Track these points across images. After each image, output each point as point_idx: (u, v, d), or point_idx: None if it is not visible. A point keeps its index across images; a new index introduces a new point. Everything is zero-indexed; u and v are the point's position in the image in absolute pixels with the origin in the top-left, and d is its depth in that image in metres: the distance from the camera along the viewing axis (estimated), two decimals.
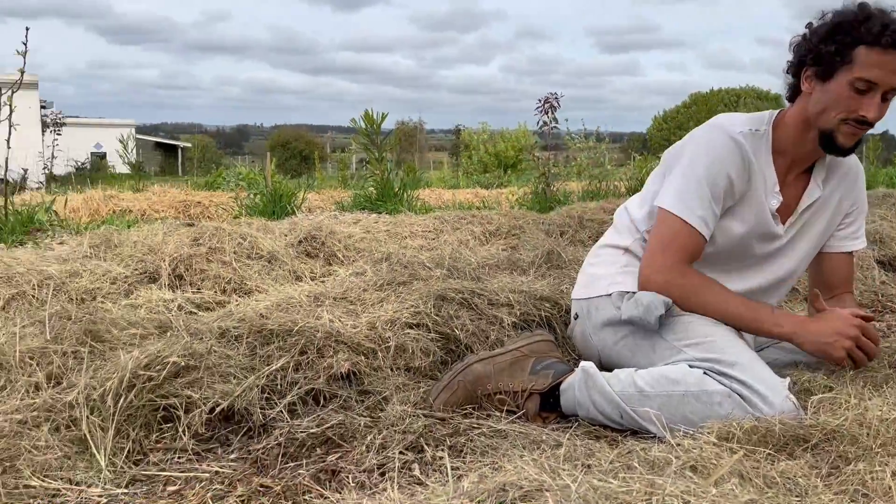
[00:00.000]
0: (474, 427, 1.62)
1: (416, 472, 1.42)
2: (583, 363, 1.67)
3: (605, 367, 1.82)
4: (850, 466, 1.13)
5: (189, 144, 37.56)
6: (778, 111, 1.81)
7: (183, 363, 1.57)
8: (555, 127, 6.52)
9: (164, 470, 1.43)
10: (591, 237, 3.78)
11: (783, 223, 1.80)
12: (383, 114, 5.97)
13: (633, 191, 6.77)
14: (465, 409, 1.71)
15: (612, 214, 2.03)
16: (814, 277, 1.96)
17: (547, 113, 6.37)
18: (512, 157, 25.41)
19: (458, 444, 1.54)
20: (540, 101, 6.33)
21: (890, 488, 1.03)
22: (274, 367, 1.72)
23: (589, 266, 1.94)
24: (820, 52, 1.64)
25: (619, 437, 1.56)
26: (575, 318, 1.92)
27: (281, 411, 1.65)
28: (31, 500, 1.26)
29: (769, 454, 1.24)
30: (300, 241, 3.35)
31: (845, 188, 1.85)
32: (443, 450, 1.51)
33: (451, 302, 2.04)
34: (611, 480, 1.07)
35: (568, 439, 1.48)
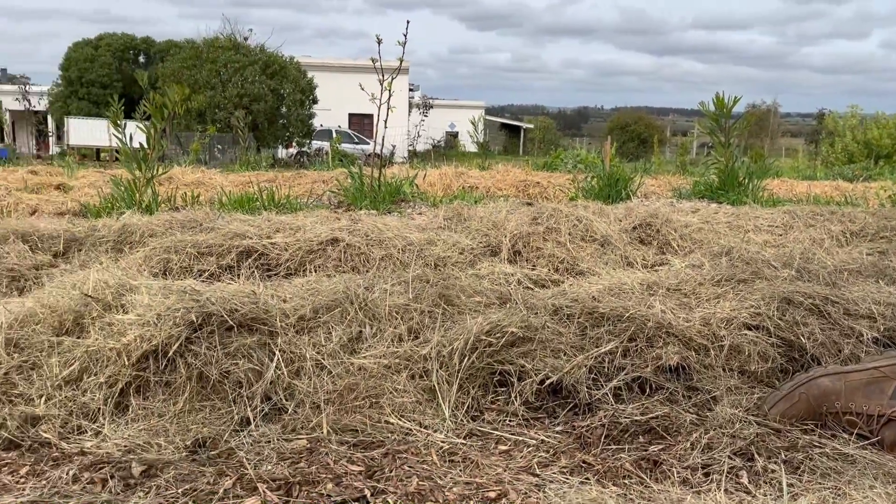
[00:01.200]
0: (815, 445, 1.48)
1: (744, 481, 1.35)
2: None
3: None
4: None
5: (531, 125, 39.37)
6: None
7: (520, 334, 1.69)
8: None
9: (496, 429, 1.56)
10: None
11: None
12: (735, 97, 5.61)
13: None
14: (806, 424, 1.56)
15: None
16: None
17: None
18: (887, 145, 22.03)
19: (795, 460, 1.42)
20: None
21: None
22: (602, 350, 1.75)
23: None
24: None
25: None
26: None
27: (606, 394, 1.68)
28: (389, 435, 1.48)
29: None
30: (634, 227, 3.33)
31: None
32: (777, 462, 1.41)
33: (799, 306, 1.87)
34: None
35: None
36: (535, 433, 1.56)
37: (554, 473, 1.38)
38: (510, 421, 1.60)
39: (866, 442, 1.49)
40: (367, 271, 2.59)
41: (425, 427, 1.53)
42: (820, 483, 1.32)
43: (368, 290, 1.87)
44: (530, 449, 1.49)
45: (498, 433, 1.55)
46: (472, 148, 16.28)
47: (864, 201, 5.80)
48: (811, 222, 3.53)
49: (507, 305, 1.91)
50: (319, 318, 1.75)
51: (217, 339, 1.59)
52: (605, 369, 1.75)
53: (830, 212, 3.63)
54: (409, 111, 25.99)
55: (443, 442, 1.48)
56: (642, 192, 6.14)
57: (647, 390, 1.73)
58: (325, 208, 4.56)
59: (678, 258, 2.70)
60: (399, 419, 1.53)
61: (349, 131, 24.74)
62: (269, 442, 1.45)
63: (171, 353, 1.55)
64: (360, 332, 1.71)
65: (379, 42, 4.72)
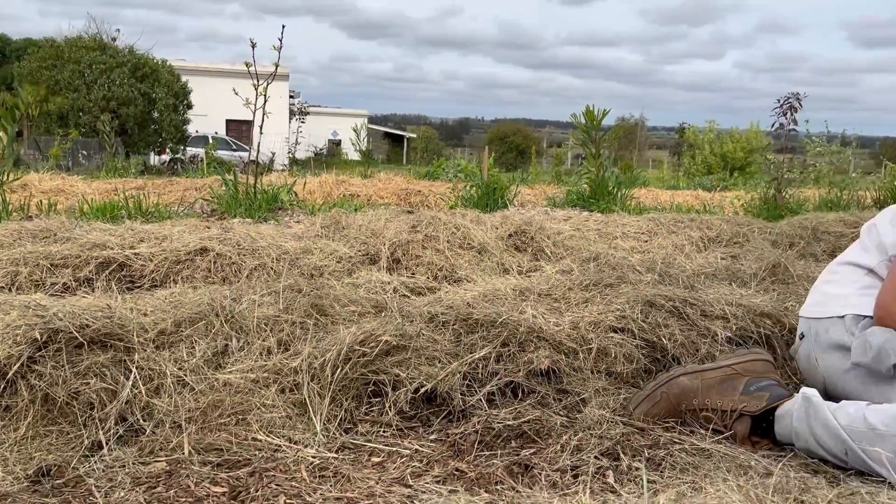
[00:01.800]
0: (675, 442, 1.55)
1: (611, 480, 1.39)
2: (804, 389, 1.53)
3: (830, 394, 1.65)
4: None
5: (414, 135, 39.67)
6: None
7: (395, 342, 1.66)
8: (793, 130, 5.98)
9: (370, 441, 1.53)
10: (825, 252, 3.43)
11: None
12: (605, 110, 5.86)
13: (881, 203, 6.04)
14: (667, 422, 1.63)
15: (855, 228, 1.83)
16: None
17: (786, 114, 5.86)
18: (740, 158, 23.79)
19: (657, 458, 1.48)
20: (779, 101, 5.84)
21: None
22: (477, 356, 1.76)
23: (824, 283, 1.77)
24: None
25: (841, 476, 1.40)
26: (800, 338, 1.76)
27: (480, 400, 1.69)
28: (257, 453, 1.42)
29: None
30: (510, 235, 3.40)
31: None
32: (640, 461, 1.46)
33: (661, 309, 1.96)
34: None
35: (780, 469, 1.36)
36: (410, 443, 1.54)
37: (427, 483, 1.37)
38: (384, 432, 1.58)
39: (721, 436, 1.58)
40: (238, 282, 2.49)
41: (295, 442, 1.48)
42: (679, 478, 1.37)
43: (236, 302, 1.80)
44: (404, 459, 1.47)
45: (371, 445, 1.52)
46: (356, 156, 16.18)
47: (720, 210, 6.21)
48: (673, 229, 3.72)
49: (383, 314, 1.88)
50: (182, 331, 1.66)
51: (65, 358, 1.47)
52: (479, 375, 1.76)
53: (690, 219, 3.85)
54: (290, 118, 25.51)
55: (313, 457, 1.44)
56: (519, 201, 6.29)
57: (520, 394, 1.75)
58: (197, 217, 4.36)
59: (551, 264, 2.78)
60: (267, 436, 1.47)
61: (227, 138, 23.96)
62: (124, 466, 1.35)
63: (10, 375, 1.41)
64: (227, 345, 1.63)
65: (253, 46, 4.58)
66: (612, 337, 1.85)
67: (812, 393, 1.51)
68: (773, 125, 5.98)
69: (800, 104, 5.72)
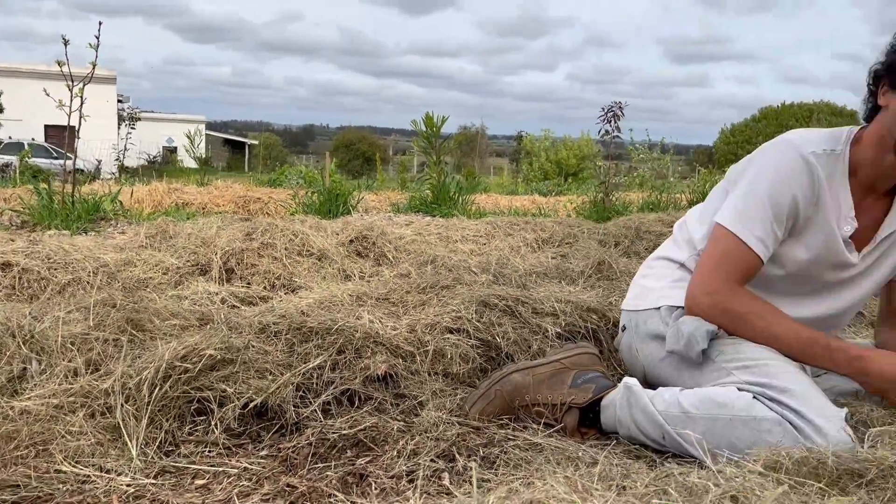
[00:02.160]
0: (509, 439, 1.57)
1: (446, 482, 1.38)
2: (626, 379, 1.61)
3: (650, 382, 1.75)
4: None
5: (256, 142, 38.49)
6: (858, 128, 1.69)
7: (219, 356, 1.57)
8: (617, 136, 6.39)
9: (193, 463, 1.43)
10: (646, 249, 3.67)
11: (858, 251, 1.69)
12: (443, 117, 5.96)
13: (694, 204, 6.59)
14: (502, 419, 1.66)
15: (671, 227, 1.95)
16: (884, 303, 1.84)
17: (610, 122, 6.25)
18: (573, 165, 25.20)
19: (492, 456, 1.50)
20: (603, 109, 6.22)
21: None
22: (310, 366, 1.70)
23: (641, 277, 1.87)
24: (893, 63, 1.56)
25: (659, 459, 1.48)
26: (622, 330, 1.85)
27: (315, 410, 1.63)
28: (61, 486, 1.28)
29: (820, 489, 1.15)
30: (351, 241, 3.35)
31: None
32: (475, 460, 1.47)
33: (494, 308, 1.99)
34: None
35: (605, 457, 1.42)
36: (238, 461, 1.45)
37: (255, 502, 1.29)
38: (210, 451, 1.48)
39: (552, 430, 1.62)
40: (49, 299, 2.26)
41: (107, 471, 1.34)
42: (513, 474, 1.39)
43: (37, 320, 1.62)
44: (231, 479, 1.38)
45: (195, 467, 1.42)
46: (193, 164, 15.42)
47: (554, 213, 6.51)
48: (510, 231, 3.84)
49: (208, 326, 1.77)
50: None
51: None
52: (314, 385, 1.70)
53: (525, 222, 3.99)
54: (119, 124, 23.88)
55: (128, 485, 1.32)
56: (363, 207, 6.26)
57: (357, 402, 1.71)
58: (4, 229, 3.94)
59: (390, 269, 2.76)
60: (74, 466, 1.33)
61: (46, 145, 22.01)
62: None
63: None
64: (25, 369, 1.46)
65: (66, 43, 4.22)
66: (448, 338, 1.86)
67: (633, 382, 1.59)
68: (599, 132, 6.37)
69: (622, 112, 6.13)
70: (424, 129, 5.83)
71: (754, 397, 1.44)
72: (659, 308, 1.73)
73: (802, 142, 1.64)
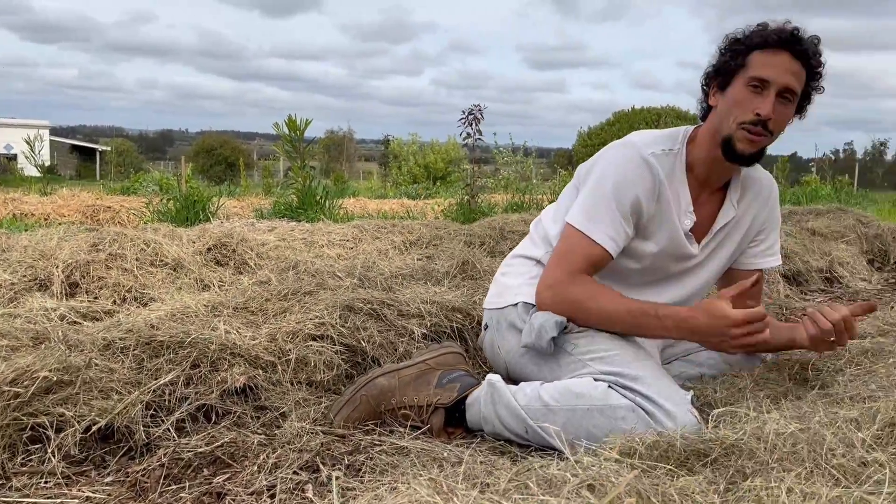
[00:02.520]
0: (376, 444, 1.55)
1: (309, 494, 1.34)
2: (489, 376, 1.62)
3: (513, 378, 1.78)
4: (748, 482, 1.11)
5: (108, 148, 36.16)
6: (693, 127, 1.80)
7: (55, 378, 1.44)
8: (479, 139, 6.51)
9: (27, 496, 1.30)
10: (510, 248, 3.74)
11: (698, 242, 1.80)
12: (307, 120, 5.84)
13: None
14: (368, 425, 1.63)
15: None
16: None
17: (471, 125, 6.35)
18: (442, 168, 25.54)
19: (357, 463, 1.46)
20: (464, 112, 6.32)
21: None
22: (162, 382, 1.60)
23: (500, 276, 1.90)
24: (720, 65, 1.69)
25: (523, 454, 1.51)
26: (485, 329, 1.87)
27: (168, 429, 1.53)
28: None
29: (670, 470, 1.21)
30: (209, 249, 3.20)
31: (759, 206, 1.86)
32: (339, 469, 1.43)
33: (359, 313, 1.96)
34: (504, 502, 1.01)
35: (470, 455, 1.42)
36: (80, 490, 1.34)
37: None
38: (46, 482, 1.35)
39: (419, 432, 1.61)
40: None
41: None
42: (378, 480, 1.36)
43: None
44: None
45: (30, 500, 1.29)
46: (35, 171, 14.26)
47: (422, 215, 6.55)
48: (377, 235, 3.81)
49: (43, 346, 1.62)
50: None
51: None
52: (167, 402, 1.60)
53: (393, 225, 3.97)
54: None
55: None
56: (224, 214, 6.02)
57: (214, 417, 1.62)
58: None
59: (249, 276, 2.66)
60: None
61: None
62: None
63: None
64: None
65: None
66: (311, 345, 1.80)
67: (496, 379, 1.61)
68: (461, 135, 6.47)
69: (482, 115, 6.25)
70: (287, 132, 5.69)
71: (609, 386, 1.49)
72: (517, 305, 1.76)
73: (643, 143, 1.73)
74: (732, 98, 1.66)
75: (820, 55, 1.68)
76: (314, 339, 1.83)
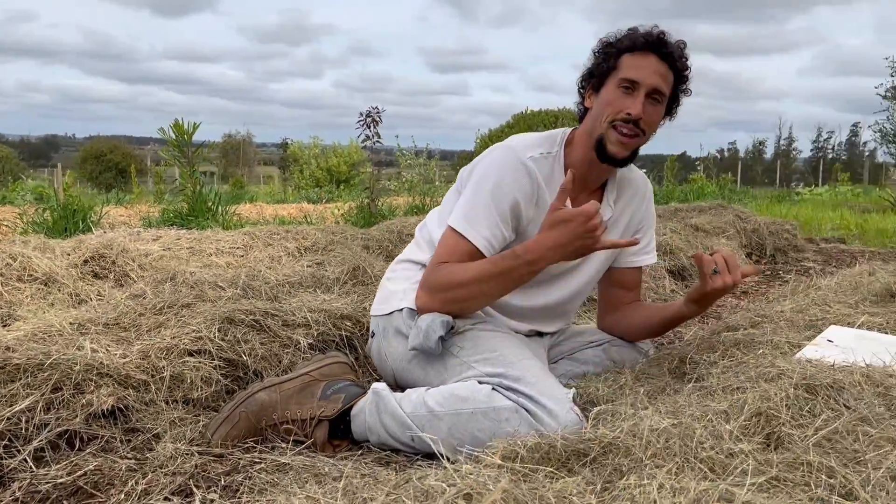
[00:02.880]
0: (256, 462, 1.48)
1: None
2: (374, 385, 1.59)
3: (401, 385, 1.75)
4: (623, 480, 1.12)
5: None
6: (571, 129, 1.83)
7: None
8: (378, 142, 6.46)
9: None
10: None
11: None
12: (194, 124, 5.62)
13: None
14: (248, 442, 1.56)
15: None
16: (604, 290, 2.01)
17: (369, 127, 6.30)
18: (345, 172, 25.23)
19: (234, 483, 1.39)
20: (361, 115, 6.26)
21: (655, 502, 1.02)
22: (17, 409, 1.47)
23: (386, 281, 1.87)
24: (594, 67, 1.73)
25: (408, 463, 1.48)
26: (372, 336, 1.83)
27: (24, 459, 1.41)
28: None
29: (551, 472, 1.21)
30: (86, 261, 3.01)
31: (634, 206, 1.91)
32: (215, 491, 1.36)
33: (240, 324, 1.88)
34: None
35: (353, 469, 1.38)
36: None
37: None
38: None
39: (302, 447, 1.55)
40: None
41: None
42: (258, 500, 1.30)
43: None
44: None
45: None
46: None
47: (322, 220, 6.44)
48: (270, 241, 3.70)
49: None
50: None
51: None
52: (23, 430, 1.47)
53: (286, 230, 3.86)
54: None
55: None
56: (110, 224, 5.71)
57: (79, 444, 1.51)
58: None
59: (121, 290, 2.51)
60: None
61: None
62: None
63: None
64: None
65: None
66: (187, 361, 1.71)
67: (381, 387, 1.57)
68: (358, 137, 6.40)
69: (380, 118, 6.20)
70: (174, 137, 5.45)
71: (493, 388, 1.49)
72: (402, 310, 1.73)
73: (521, 147, 1.74)
74: (605, 99, 1.70)
75: (686, 58, 1.73)
76: (191, 355, 1.73)
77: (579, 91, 1.81)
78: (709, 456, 1.16)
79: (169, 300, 1.98)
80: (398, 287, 1.78)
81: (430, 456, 1.49)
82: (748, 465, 1.11)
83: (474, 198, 1.69)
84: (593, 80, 1.75)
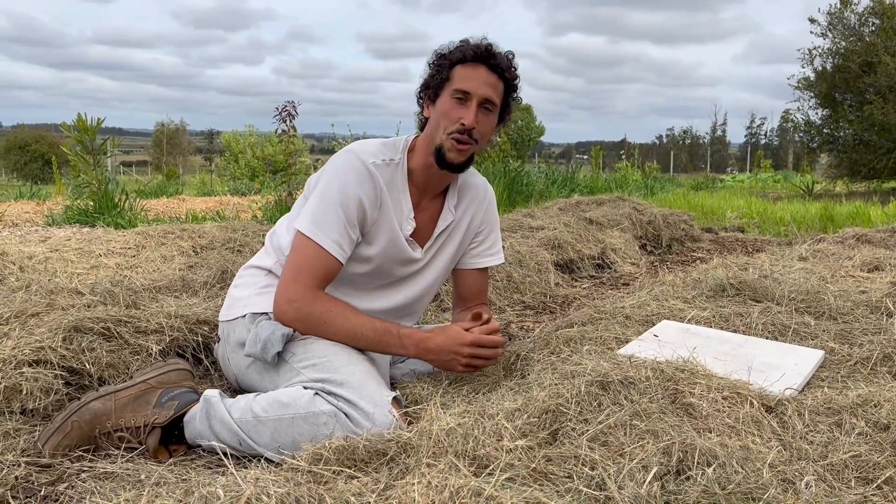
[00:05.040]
0: (84, 471, 1.51)
1: None
2: (206, 392, 1.63)
3: (243, 390, 1.79)
4: (404, 479, 1.20)
5: None
6: (413, 136, 1.89)
7: None
8: (294, 135, 6.45)
9: None
10: None
11: (422, 247, 1.89)
12: (99, 119, 5.51)
13: None
14: (79, 451, 1.58)
15: None
16: (453, 288, 2.09)
17: (285, 121, 6.28)
18: (282, 161, 24.87)
19: (55, 493, 1.42)
20: (277, 109, 6.23)
21: (414, 500, 1.10)
22: None
23: (232, 287, 1.90)
24: (430, 78, 1.79)
25: (237, 467, 1.52)
26: (218, 341, 1.87)
27: None
28: None
29: (350, 474, 1.27)
30: None
31: (475, 209, 1.99)
32: (34, 501, 1.38)
33: (88, 333, 1.89)
34: None
35: (177, 475, 1.42)
36: None
37: None
38: None
39: (135, 453, 1.59)
40: None
41: None
42: None
43: None
44: None
45: None
46: None
47: (237, 215, 6.39)
48: (163, 241, 3.67)
49: None
50: None
51: None
52: None
53: (182, 229, 3.84)
54: None
55: None
56: (12, 221, 5.57)
57: None
58: None
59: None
60: None
61: None
62: None
63: None
64: None
65: None
66: (24, 372, 1.72)
67: (212, 394, 1.62)
68: (276, 131, 6.38)
69: (296, 111, 6.19)
70: (77, 132, 5.33)
71: (316, 393, 1.54)
72: (244, 316, 1.77)
73: (364, 153, 1.79)
74: (441, 109, 1.77)
75: (515, 69, 1.81)
76: (29, 365, 1.74)
77: (418, 101, 1.87)
78: (485, 453, 1.24)
79: (17, 309, 1.98)
80: (242, 293, 1.83)
81: (264, 459, 1.54)
82: (515, 460, 1.20)
83: (321, 202, 1.73)
84: (430, 90, 1.82)
